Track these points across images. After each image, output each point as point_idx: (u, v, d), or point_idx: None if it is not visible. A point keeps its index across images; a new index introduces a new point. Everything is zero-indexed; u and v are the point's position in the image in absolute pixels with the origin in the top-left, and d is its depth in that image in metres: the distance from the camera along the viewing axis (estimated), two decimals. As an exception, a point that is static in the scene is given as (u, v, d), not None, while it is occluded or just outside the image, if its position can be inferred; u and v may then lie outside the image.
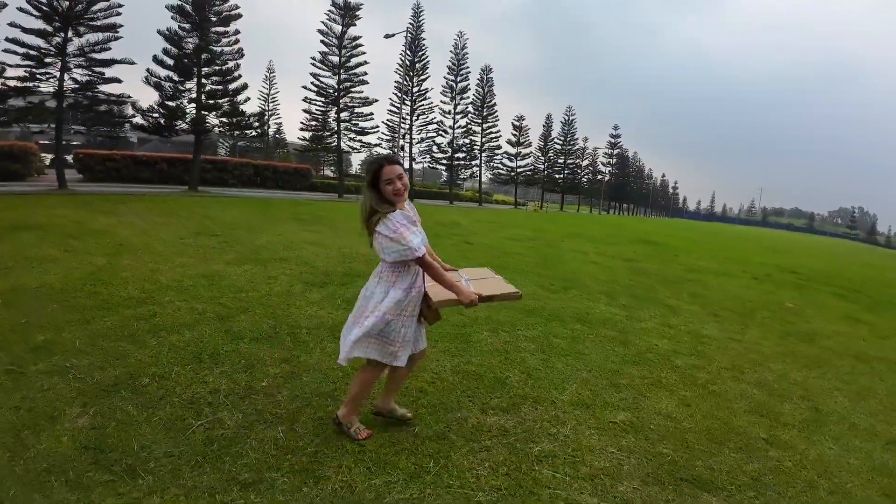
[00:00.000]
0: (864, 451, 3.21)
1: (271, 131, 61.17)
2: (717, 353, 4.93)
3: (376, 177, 2.37)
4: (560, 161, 60.37)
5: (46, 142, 38.78)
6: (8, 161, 21.71)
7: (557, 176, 60.25)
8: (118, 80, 21.42)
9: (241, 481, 2.20)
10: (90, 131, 24.16)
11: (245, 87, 24.26)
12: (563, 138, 60.11)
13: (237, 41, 23.75)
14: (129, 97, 22.67)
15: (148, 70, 22.67)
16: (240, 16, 23.57)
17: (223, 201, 18.18)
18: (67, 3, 19.66)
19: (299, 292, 5.49)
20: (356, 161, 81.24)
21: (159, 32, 22.71)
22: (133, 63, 21.04)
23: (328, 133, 31.54)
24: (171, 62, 22.56)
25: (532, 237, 14.17)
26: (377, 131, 33.90)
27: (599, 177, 77.36)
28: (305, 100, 31.38)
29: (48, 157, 29.45)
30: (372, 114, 32.88)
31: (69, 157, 30.03)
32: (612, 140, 77.32)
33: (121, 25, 20.68)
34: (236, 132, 25.88)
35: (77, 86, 20.63)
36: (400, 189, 2.37)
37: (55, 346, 3.48)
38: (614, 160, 79.08)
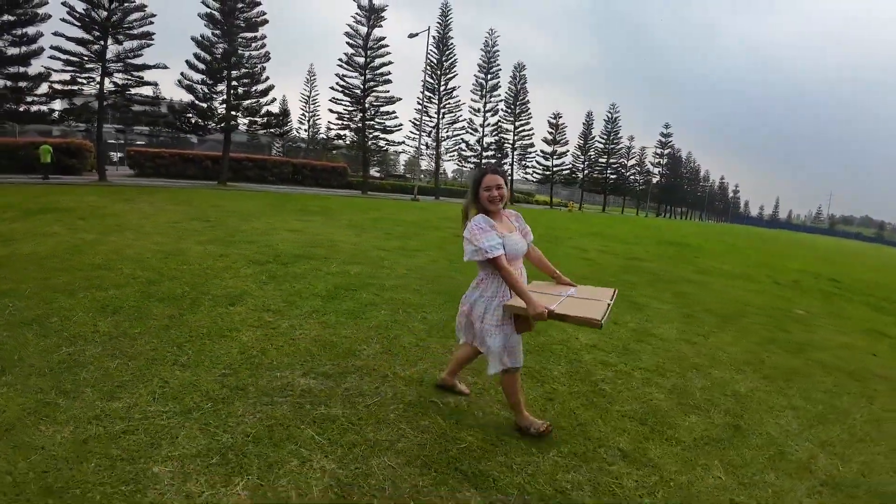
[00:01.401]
0: (771, 489, 2.46)
1: (310, 132, 62.63)
2: (649, 352, 4.36)
3: (478, 183, 2.52)
4: (602, 161, 58.63)
5: (112, 141, 41.94)
6: (65, 157, 23.38)
7: (599, 176, 58.47)
8: (154, 84, 22.65)
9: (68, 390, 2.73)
10: (153, 132, 26.60)
11: (271, 88, 25.22)
12: (605, 137, 58.41)
13: (264, 45, 24.84)
14: (164, 98, 24.11)
15: (182, 74, 23.90)
16: (266, 21, 24.75)
17: (243, 194, 18.80)
18: (105, 13, 20.84)
19: (235, 268, 5.84)
20: (401, 160, 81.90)
21: (193, 39, 23.90)
22: (167, 68, 22.21)
23: (354, 130, 31.92)
24: (202, 66, 23.66)
25: (541, 234, 13.71)
26: (400, 129, 34.36)
27: (648, 178, 74.52)
28: (332, 100, 32.03)
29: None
30: (395, 112, 33.31)
31: (120, 155, 32.14)
32: (663, 139, 74.44)
33: (153, 33, 21.85)
34: (262, 131, 26.71)
35: (116, 89, 21.82)
36: (495, 196, 2.48)
37: (10, 292, 4.27)
38: (665, 160, 76.03)
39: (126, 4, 21.31)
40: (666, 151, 75.48)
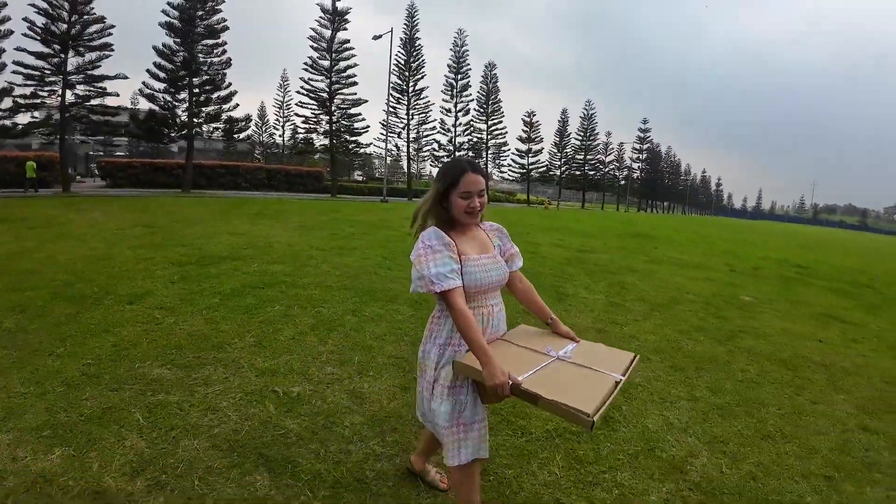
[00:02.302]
0: (618, 490, 2.27)
1: (284, 137, 62.56)
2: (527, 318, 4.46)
3: (454, 183, 1.74)
4: (579, 158, 59.10)
5: (92, 152, 41.77)
6: (38, 170, 23.27)
7: (577, 173, 58.92)
8: (116, 94, 22.68)
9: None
10: (131, 142, 26.69)
11: (234, 94, 25.51)
12: (582, 134, 58.93)
13: (224, 52, 25.11)
14: (125, 108, 24.21)
15: (143, 83, 23.95)
16: (227, 28, 24.97)
17: (203, 200, 18.85)
18: (65, 26, 20.89)
19: (152, 269, 5.99)
20: (380, 165, 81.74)
21: (154, 48, 23.92)
22: (126, 78, 22.34)
23: (322, 134, 32.15)
24: (163, 75, 23.78)
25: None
26: (368, 130, 34.54)
27: (626, 173, 75.26)
28: (299, 104, 32.30)
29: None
30: (361, 114, 33.36)
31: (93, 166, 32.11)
32: (641, 135, 75.29)
33: (112, 44, 22.08)
34: (224, 137, 26.87)
35: (77, 100, 21.84)
36: (475, 207, 1.75)
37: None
38: (644, 156, 76.82)
39: (85, 17, 21.42)
40: (645, 147, 76.33)
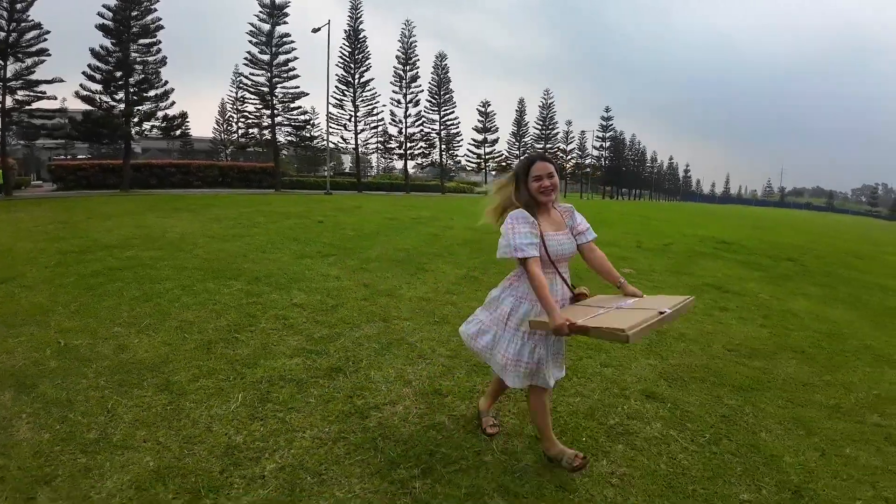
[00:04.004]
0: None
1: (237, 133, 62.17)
2: (352, 305, 4.94)
3: (526, 171, 2.26)
4: (539, 146, 60.12)
5: (53, 157, 41.49)
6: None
7: (537, 161, 59.58)
8: (53, 98, 22.97)
9: None
10: (92, 145, 26.76)
11: (170, 91, 25.74)
12: (541, 122, 59.95)
13: (159, 50, 25.47)
14: (63, 111, 24.42)
15: (81, 85, 24.18)
16: (161, 27, 25.16)
17: (134, 198, 18.97)
18: (3, 34, 21.10)
19: (36, 257, 6.54)
20: (348, 160, 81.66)
21: (90, 50, 24.16)
22: (63, 81, 22.56)
23: (264, 128, 32.47)
24: (99, 76, 23.98)
25: (421, 216, 14.00)
26: (310, 123, 35.14)
27: (589, 161, 76.63)
28: (239, 99, 32.68)
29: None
30: (301, 107, 34.05)
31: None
32: (604, 123, 76.67)
33: (47, 49, 22.44)
34: (162, 135, 27.15)
35: (16, 105, 22.03)
36: (547, 187, 2.23)
37: None
38: (607, 143, 78.26)
39: (23, 25, 21.64)
40: (608, 135, 77.65)
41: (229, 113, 59.10)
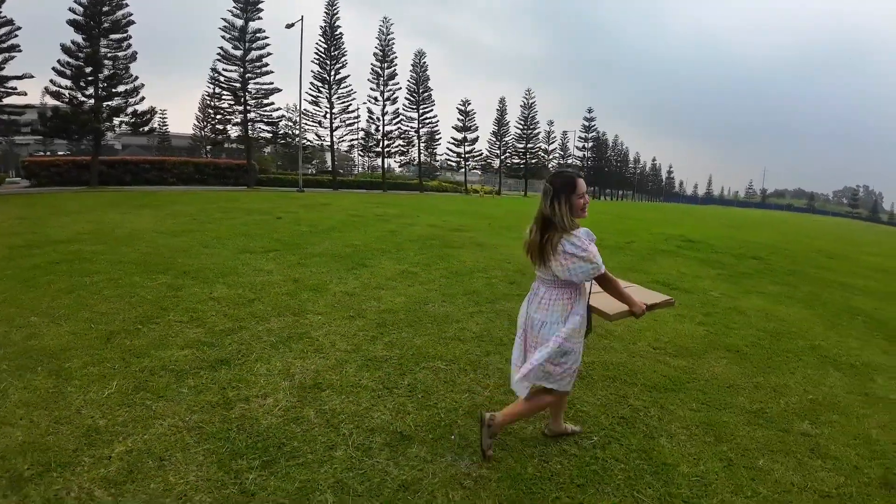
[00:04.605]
0: None
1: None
2: (275, 296, 4.96)
3: (571, 189, 2.25)
4: (520, 146, 59.98)
5: (31, 153, 40.84)
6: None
7: (518, 161, 59.78)
8: (24, 93, 22.55)
9: None
10: (71, 141, 26.54)
11: (140, 87, 25.35)
12: (522, 122, 59.71)
13: (130, 45, 25.11)
14: (33, 106, 24.00)
15: (51, 81, 23.63)
16: (132, 22, 25.02)
17: (102, 195, 18.59)
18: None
19: None
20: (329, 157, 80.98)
21: (61, 46, 23.58)
22: (32, 77, 22.16)
23: (236, 124, 32.05)
24: (69, 72, 23.51)
25: (387, 213, 13.84)
26: (282, 120, 35.04)
27: (570, 161, 76.62)
28: (211, 95, 32.27)
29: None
30: (274, 103, 33.52)
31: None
32: (587, 123, 76.80)
33: (18, 46, 21.97)
34: (132, 130, 26.66)
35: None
36: (587, 203, 2.32)
37: None
38: (589, 144, 78.39)
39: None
40: (590, 135, 77.79)
41: (208, 109, 58.30)
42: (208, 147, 58.01)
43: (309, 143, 40.68)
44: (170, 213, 11.77)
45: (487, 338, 4.16)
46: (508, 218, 16.56)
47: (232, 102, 32.39)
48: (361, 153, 43.61)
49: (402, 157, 45.61)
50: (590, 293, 2.46)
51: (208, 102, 34.27)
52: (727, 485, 2.35)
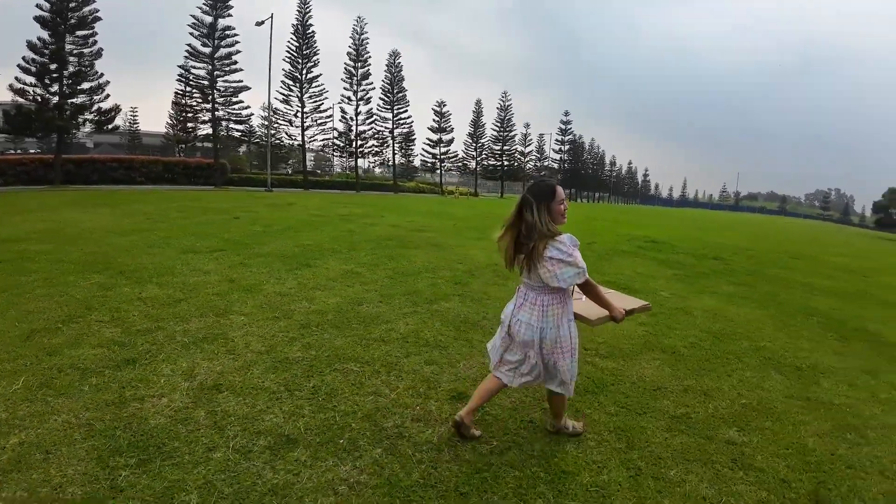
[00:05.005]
0: None
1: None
2: (205, 296, 4.83)
3: (552, 196, 2.34)
4: (496, 148, 60.00)
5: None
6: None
7: (494, 163, 59.81)
8: None
9: None
10: (43, 139, 26.07)
11: (105, 84, 24.84)
12: (498, 124, 59.71)
13: (95, 42, 24.66)
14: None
15: (16, 78, 23.06)
16: (99, 18, 24.55)
17: (64, 194, 18.14)
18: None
19: None
20: (308, 157, 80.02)
21: (27, 42, 23.05)
22: None
23: (203, 122, 31.41)
24: (34, 69, 23.00)
25: (351, 213, 13.85)
26: (251, 118, 34.34)
27: (548, 164, 77.08)
28: (178, 92, 31.72)
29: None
30: (243, 101, 33.04)
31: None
32: (563, 126, 77.32)
33: None
34: (96, 128, 26.07)
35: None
36: (566, 209, 2.39)
37: None
38: (566, 147, 78.92)
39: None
40: (566, 138, 78.32)
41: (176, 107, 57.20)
42: (181, 146, 56.93)
43: (278, 141, 40.05)
44: (127, 213, 11.60)
45: (413, 339, 4.00)
46: (476, 219, 16.41)
47: (200, 100, 31.72)
48: (334, 153, 43.00)
49: (375, 158, 45.37)
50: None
51: (175, 101, 33.47)
52: (629, 497, 2.19)
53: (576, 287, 2.45)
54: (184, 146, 56.18)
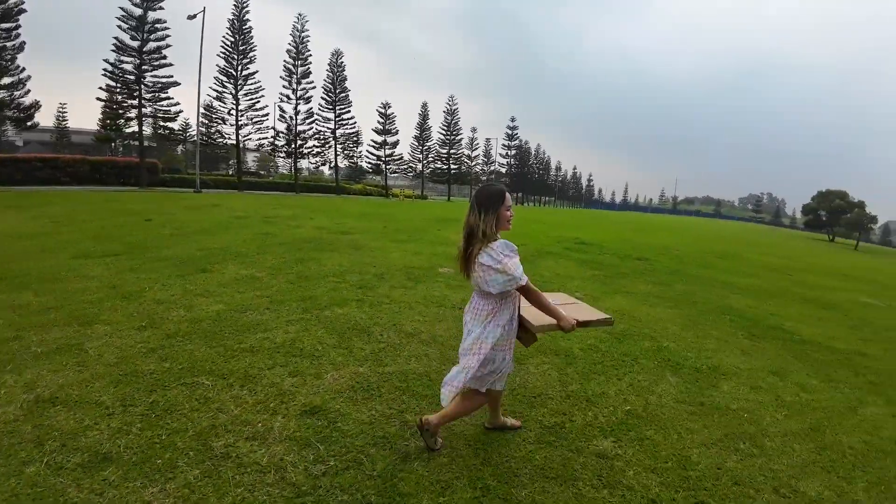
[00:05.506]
0: None
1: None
2: (77, 304, 4.47)
3: (500, 201, 2.30)
4: (443, 151, 59.95)
5: None
6: None
7: (441, 166, 59.78)
8: None
9: None
10: None
11: (27, 79, 23.54)
12: (445, 128, 59.69)
13: (18, 35, 23.40)
14: None
15: None
16: (24, 10, 23.49)
17: None
18: None
19: None
20: (251, 158, 77.49)
21: None
22: None
23: (128, 119, 29.88)
24: None
25: (278, 215, 13.57)
26: (180, 115, 32.97)
27: (494, 168, 77.91)
28: (102, 87, 29.86)
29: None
30: (172, 98, 31.61)
31: None
32: (510, 132, 78.23)
33: None
34: (15, 126, 24.38)
35: None
36: (512, 216, 2.37)
37: None
38: (512, 152, 79.96)
39: None
40: (513, 143, 79.30)
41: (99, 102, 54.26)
42: (113, 144, 53.94)
43: (210, 140, 38.31)
44: (35, 215, 10.94)
45: (287, 348, 3.69)
46: (412, 221, 16.13)
47: (126, 96, 30.02)
48: (272, 153, 41.58)
49: (316, 159, 44.27)
50: (518, 306, 2.44)
51: (101, 97, 31.43)
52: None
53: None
54: (113, 144, 53.31)
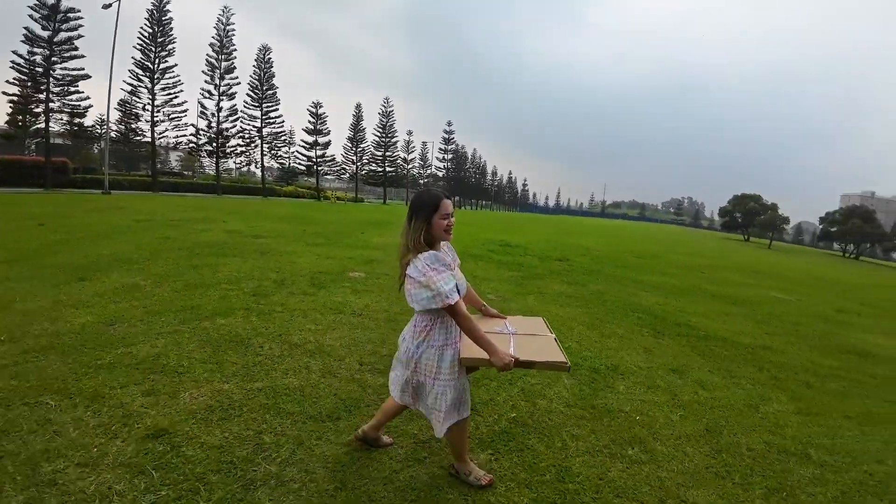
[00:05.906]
0: None
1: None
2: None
3: (434, 209, 2.07)
4: (378, 154, 59.26)
5: None
6: None
7: (376, 168, 59.03)
8: None
9: None
10: None
11: None
12: (381, 130, 58.99)
13: None
14: None
15: None
16: None
17: None
18: None
19: None
20: (175, 158, 73.44)
21: None
22: None
23: (34, 115, 27.59)
24: None
25: (189, 217, 13.01)
26: (90, 109, 31.02)
27: (430, 171, 77.98)
28: (10, 81, 27.47)
29: None
30: (83, 92, 29.59)
31: None
32: (446, 136, 78.50)
33: None
34: None
35: None
36: (452, 225, 2.13)
37: None
38: (449, 156, 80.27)
39: None
40: (450, 147, 79.60)
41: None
42: (27, 141, 49.65)
43: (125, 138, 35.78)
44: None
45: (148, 364, 3.33)
46: (337, 225, 15.71)
47: (32, 90, 27.60)
48: (191, 152, 39.35)
49: (241, 159, 42.47)
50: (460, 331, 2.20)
51: (5, 91, 28.72)
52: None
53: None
54: (26, 142, 48.95)
